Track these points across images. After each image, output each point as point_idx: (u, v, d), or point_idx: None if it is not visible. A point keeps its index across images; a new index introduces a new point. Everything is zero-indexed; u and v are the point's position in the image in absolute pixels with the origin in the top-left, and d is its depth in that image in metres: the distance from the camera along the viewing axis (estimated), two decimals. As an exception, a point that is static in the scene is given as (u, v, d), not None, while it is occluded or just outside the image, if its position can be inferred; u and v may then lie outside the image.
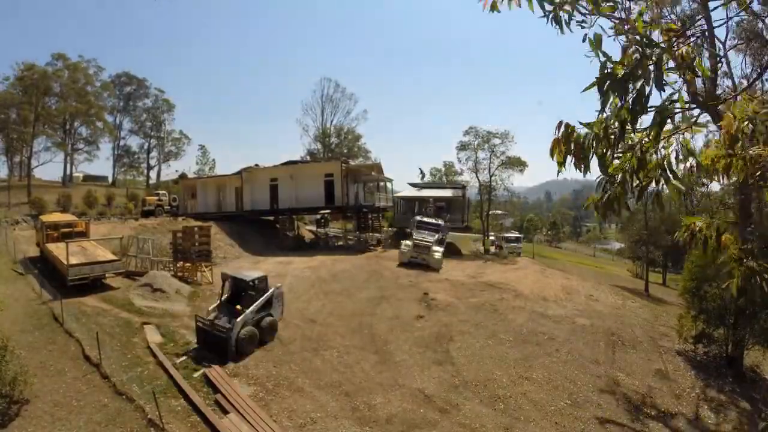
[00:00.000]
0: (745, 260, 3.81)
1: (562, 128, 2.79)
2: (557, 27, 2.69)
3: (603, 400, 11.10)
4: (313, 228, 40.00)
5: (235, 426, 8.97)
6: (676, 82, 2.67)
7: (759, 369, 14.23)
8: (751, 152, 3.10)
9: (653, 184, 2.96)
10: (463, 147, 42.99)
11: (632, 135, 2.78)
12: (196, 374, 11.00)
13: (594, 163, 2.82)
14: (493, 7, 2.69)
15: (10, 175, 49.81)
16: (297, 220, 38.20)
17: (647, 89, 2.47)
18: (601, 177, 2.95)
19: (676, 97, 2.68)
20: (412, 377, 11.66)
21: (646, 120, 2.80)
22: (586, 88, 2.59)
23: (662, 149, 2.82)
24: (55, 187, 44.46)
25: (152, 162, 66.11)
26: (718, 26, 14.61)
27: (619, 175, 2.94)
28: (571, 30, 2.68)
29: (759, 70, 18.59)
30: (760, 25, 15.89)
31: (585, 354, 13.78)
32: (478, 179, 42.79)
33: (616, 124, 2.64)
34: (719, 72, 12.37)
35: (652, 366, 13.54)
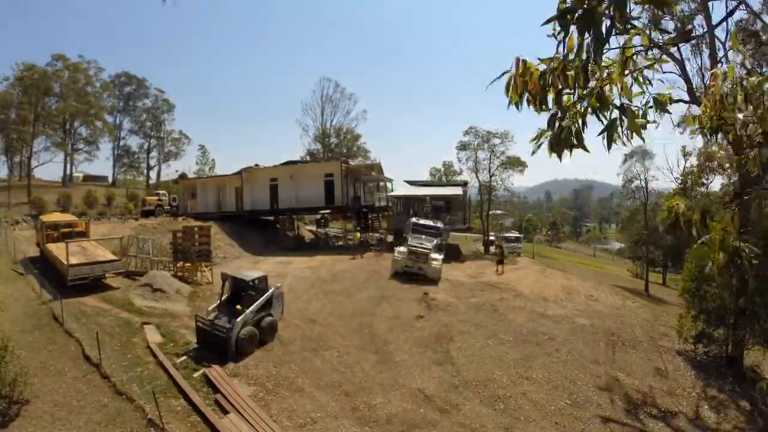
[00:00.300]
0: (727, 239, 3.67)
1: (519, 65, 2.64)
2: None
3: (603, 400, 11.10)
4: (313, 228, 40.04)
5: (235, 426, 8.97)
6: (640, 17, 2.62)
7: (759, 369, 14.24)
8: (740, 117, 2.95)
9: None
10: (463, 147, 43.07)
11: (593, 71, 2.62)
12: (196, 374, 11.00)
13: (550, 102, 2.68)
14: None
15: (10, 175, 49.83)
16: (297, 220, 38.21)
17: (608, 23, 2.32)
18: (554, 112, 2.75)
19: (638, 37, 2.55)
20: (412, 377, 11.65)
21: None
22: (546, 22, 2.43)
23: (618, 86, 2.65)
24: (55, 187, 44.47)
25: (152, 162, 66.16)
26: (717, 25, 14.57)
27: (576, 110, 2.75)
28: None
29: (759, 68, 18.59)
30: (759, 24, 15.87)
31: (585, 354, 13.78)
32: (478, 179, 42.83)
33: (582, 59, 2.48)
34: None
35: (652, 366, 13.54)
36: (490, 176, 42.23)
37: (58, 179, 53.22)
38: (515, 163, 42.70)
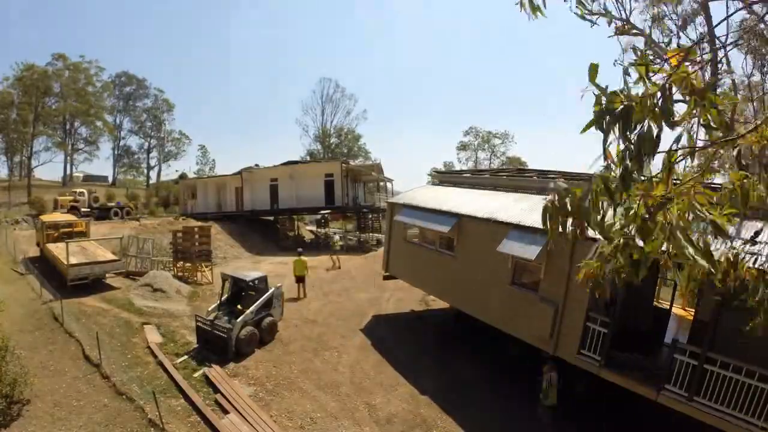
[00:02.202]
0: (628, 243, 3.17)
1: (555, 192, 2.28)
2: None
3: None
4: (313, 228, 40.04)
5: (235, 426, 8.97)
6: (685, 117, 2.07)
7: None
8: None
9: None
10: (463, 147, 43.18)
11: (636, 189, 2.19)
12: (196, 374, 11.00)
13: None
14: (534, 11, 2.29)
15: (10, 175, 49.85)
16: (297, 220, 38.21)
17: (654, 127, 1.95)
18: (599, 240, 2.36)
19: (684, 136, 2.11)
20: (412, 377, 11.64)
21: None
22: (585, 129, 2.09)
23: (668, 213, 2.14)
24: (55, 187, 44.49)
25: (152, 162, 66.23)
26: (717, 25, 14.58)
27: (619, 240, 2.33)
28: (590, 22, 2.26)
29: (760, 70, 18.61)
30: (761, 25, 15.86)
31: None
32: (478, 179, 42.90)
33: (618, 172, 2.10)
34: (719, 71, 12.03)
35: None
36: (490, 176, 42.30)
37: (59, 179, 53.26)
38: (516, 163, 42.74)
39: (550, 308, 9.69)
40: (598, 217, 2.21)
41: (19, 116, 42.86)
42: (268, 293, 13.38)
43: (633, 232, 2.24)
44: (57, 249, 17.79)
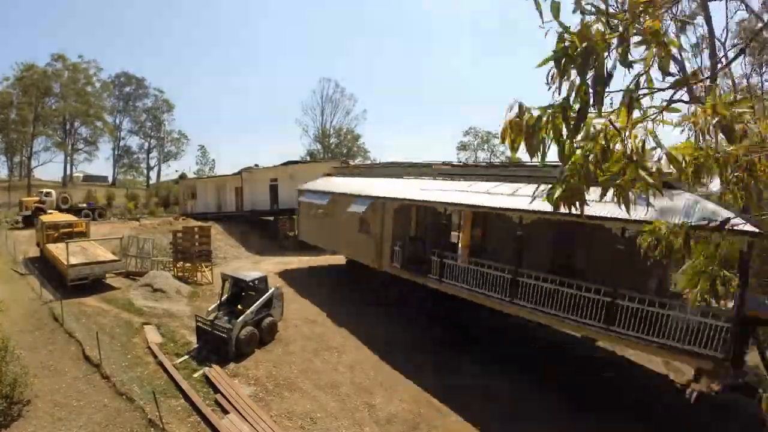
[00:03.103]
0: (709, 269, 3.56)
1: (515, 109, 2.48)
2: None
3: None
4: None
5: (235, 426, 8.98)
6: (643, 59, 2.30)
7: (759, 369, 14.25)
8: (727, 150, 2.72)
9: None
10: (463, 147, 43.14)
11: (594, 121, 2.45)
12: (196, 374, 11.00)
13: (553, 152, 2.49)
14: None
15: (10, 175, 49.85)
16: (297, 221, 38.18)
17: (610, 65, 2.17)
18: (560, 167, 2.60)
19: (644, 77, 2.32)
20: (412, 377, 11.65)
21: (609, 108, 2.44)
22: (542, 63, 2.26)
23: (628, 139, 2.46)
24: (55, 188, 44.44)
25: (152, 162, 66.24)
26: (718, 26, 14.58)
27: (581, 166, 2.58)
28: None
29: (758, 69, 18.61)
30: (759, 24, 15.88)
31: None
32: (478, 179, 42.93)
33: (576, 107, 2.31)
34: (718, 71, 12.12)
35: (651, 366, 13.55)
36: (490, 176, 42.32)
37: (59, 179, 53.26)
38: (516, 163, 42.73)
39: (373, 241, 17.00)
40: (557, 142, 2.41)
41: (19, 116, 42.85)
42: (268, 293, 13.39)
43: (592, 158, 2.47)
44: (57, 249, 17.78)
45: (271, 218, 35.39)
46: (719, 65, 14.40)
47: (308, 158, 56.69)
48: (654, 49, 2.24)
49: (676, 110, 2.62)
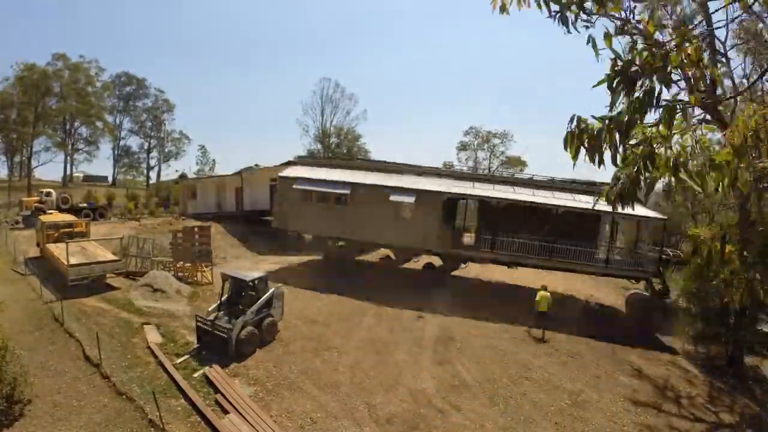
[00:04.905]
0: (746, 274, 3.98)
1: (575, 121, 2.84)
2: (563, 26, 2.78)
3: (604, 400, 11.10)
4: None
5: (235, 426, 8.98)
6: (681, 79, 2.80)
7: (759, 368, 14.26)
8: (759, 163, 3.15)
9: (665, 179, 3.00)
10: (463, 147, 43.16)
11: (644, 130, 2.83)
12: (196, 374, 11.00)
13: (607, 157, 2.87)
14: (503, 9, 2.84)
15: (10, 175, 49.85)
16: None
17: (657, 86, 2.55)
18: (615, 170, 3.02)
19: (683, 95, 2.76)
20: (412, 377, 11.66)
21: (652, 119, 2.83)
22: (598, 84, 2.65)
23: (676, 145, 2.83)
24: (55, 188, 44.43)
25: (152, 162, 66.25)
26: (719, 27, 14.59)
27: (631, 169, 2.96)
28: (578, 30, 2.81)
29: (759, 70, 18.58)
30: (761, 25, 15.86)
31: (586, 354, 13.79)
32: (478, 179, 42.94)
33: (626, 118, 2.68)
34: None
35: (652, 366, 13.56)
36: (490, 176, 42.34)
37: (59, 179, 53.26)
38: (515, 163, 42.75)
39: (421, 227, 19.67)
40: (612, 149, 2.86)
41: (19, 116, 42.84)
42: (268, 293, 13.39)
43: (641, 162, 2.86)
44: (57, 249, 17.78)
45: (271, 218, 35.37)
46: (720, 65, 14.41)
47: (308, 158, 56.69)
48: (691, 71, 2.64)
49: (711, 129, 3.03)
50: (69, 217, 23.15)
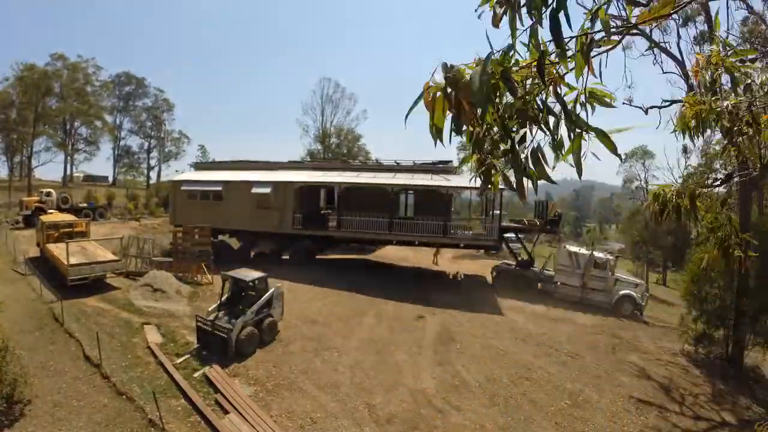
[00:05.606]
0: (720, 230, 3.45)
1: (441, 72, 1.79)
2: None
3: (604, 400, 11.10)
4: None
5: (235, 426, 8.97)
6: None
7: (759, 368, 14.26)
8: (726, 103, 2.56)
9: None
10: (463, 147, 43.00)
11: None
12: (196, 374, 11.00)
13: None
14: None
15: (10, 175, 49.85)
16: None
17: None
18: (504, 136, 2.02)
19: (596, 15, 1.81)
20: (412, 377, 11.65)
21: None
22: (484, 2, 1.77)
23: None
24: (55, 188, 44.44)
25: (152, 162, 66.27)
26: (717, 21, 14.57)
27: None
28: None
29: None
30: (762, 27, 15.84)
31: (585, 354, 13.78)
32: (478, 179, 42.91)
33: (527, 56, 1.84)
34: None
35: (652, 366, 13.55)
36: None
37: (59, 179, 53.28)
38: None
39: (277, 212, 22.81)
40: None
41: (19, 116, 42.84)
42: (268, 293, 13.39)
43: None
44: (57, 249, 17.78)
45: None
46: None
47: (308, 158, 56.67)
48: None
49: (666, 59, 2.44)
50: (69, 217, 23.15)
